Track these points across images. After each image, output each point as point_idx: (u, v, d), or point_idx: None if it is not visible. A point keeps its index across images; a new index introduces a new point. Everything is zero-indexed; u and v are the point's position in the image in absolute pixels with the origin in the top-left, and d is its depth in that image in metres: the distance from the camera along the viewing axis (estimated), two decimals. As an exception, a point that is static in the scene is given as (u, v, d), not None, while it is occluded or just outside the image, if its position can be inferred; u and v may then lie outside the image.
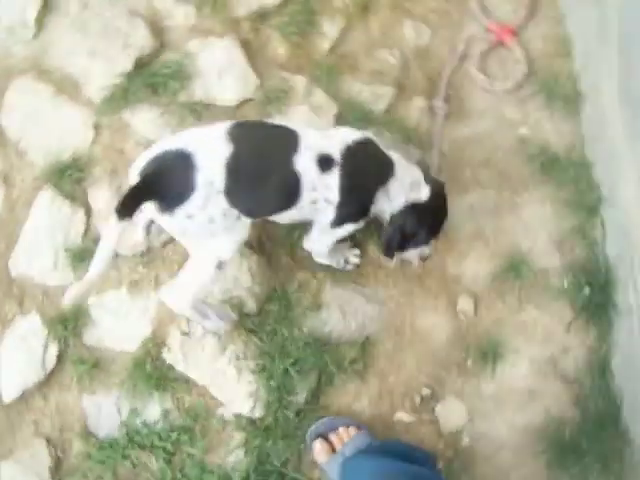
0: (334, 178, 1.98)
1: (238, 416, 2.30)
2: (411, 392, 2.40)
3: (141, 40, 2.46)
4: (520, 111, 2.71)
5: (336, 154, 1.99)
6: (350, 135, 2.07)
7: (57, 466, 2.31)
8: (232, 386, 2.29)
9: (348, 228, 2.17)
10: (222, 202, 1.92)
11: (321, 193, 2.01)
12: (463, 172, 2.63)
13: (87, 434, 2.32)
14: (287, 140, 1.97)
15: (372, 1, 2.82)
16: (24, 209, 2.44)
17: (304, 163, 1.95)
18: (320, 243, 2.28)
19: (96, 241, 2.08)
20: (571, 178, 2.59)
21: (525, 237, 2.55)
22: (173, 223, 1.96)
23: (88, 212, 2.42)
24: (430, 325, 2.47)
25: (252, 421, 2.29)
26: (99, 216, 2.39)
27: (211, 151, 1.89)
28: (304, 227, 2.42)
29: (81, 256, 2.37)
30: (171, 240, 2.39)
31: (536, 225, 2.57)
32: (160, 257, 2.39)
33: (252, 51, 2.57)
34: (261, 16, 2.63)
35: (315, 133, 2.05)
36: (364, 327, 2.43)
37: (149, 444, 2.28)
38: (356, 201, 2.07)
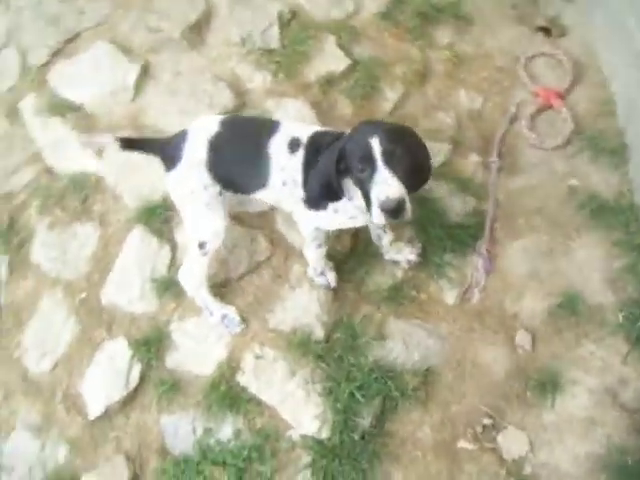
0: (298, 158, 2.54)
1: (305, 437, 2.77)
2: (473, 421, 2.85)
3: (224, 100, 3.22)
4: (569, 165, 3.34)
5: (304, 138, 2.55)
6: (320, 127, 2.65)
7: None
8: (300, 408, 2.80)
9: (327, 216, 2.61)
10: (204, 174, 2.62)
11: (289, 175, 2.57)
12: (517, 219, 3.24)
13: (164, 451, 2.85)
14: (268, 127, 2.59)
15: (429, 71, 3.70)
16: (117, 246, 3.14)
17: (277, 145, 2.55)
18: (305, 221, 2.73)
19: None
20: (621, 222, 3.13)
21: (579, 277, 3.06)
22: (169, 186, 2.69)
23: (174, 247, 3.10)
24: (490, 358, 2.95)
25: (319, 442, 2.76)
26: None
27: (201, 129, 2.60)
28: (371, 265, 3.15)
29: (166, 286, 3.02)
30: (247, 273, 3.22)
31: (589, 266, 3.08)
32: (237, 288, 3.11)
33: (321, 110, 3.30)
34: (329, 81, 3.40)
35: (295, 124, 2.68)
36: (426, 359, 2.93)
37: (222, 461, 2.77)
38: (315, 184, 2.47)
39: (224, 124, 2.62)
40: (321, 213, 2.61)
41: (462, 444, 2.86)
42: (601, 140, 3.39)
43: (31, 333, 3.18)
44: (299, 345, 2.92)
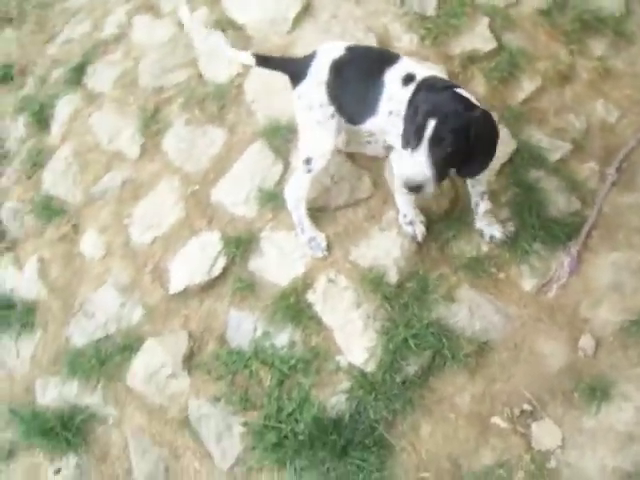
0: (408, 92, 2.70)
1: (352, 365, 2.97)
2: (513, 403, 2.94)
3: None
4: None
5: (418, 76, 2.72)
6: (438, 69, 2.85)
7: (190, 356, 3.16)
8: (356, 338, 3.00)
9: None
10: (322, 93, 2.86)
11: (395, 106, 2.74)
12: (617, 233, 3.28)
13: (222, 340, 3.16)
14: (388, 58, 2.80)
15: (573, 75, 3.81)
16: (238, 153, 3.47)
17: (392, 76, 2.75)
18: (401, 163, 2.75)
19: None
20: None
21: None
22: (294, 101, 2.93)
23: (286, 166, 3.38)
24: (548, 351, 3.03)
25: (363, 373, 2.94)
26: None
27: (328, 51, 2.84)
28: (460, 231, 3.29)
29: (269, 197, 3.31)
30: (344, 206, 3.49)
31: None
32: (332, 217, 3.33)
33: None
34: (471, 58, 3.58)
35: (414, 63, 2.85)
36: (487, 332, 3.06)
37: (270, 363, 3.03)
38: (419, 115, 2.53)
39: (350, 50, 2.87)
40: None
41: (496, 420, 2.97)
42: None
43: (143, 207, 3.59)
44: (371, 281, 3.12)
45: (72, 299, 3.47)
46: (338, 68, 2.83)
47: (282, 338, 3.12)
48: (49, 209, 3.73)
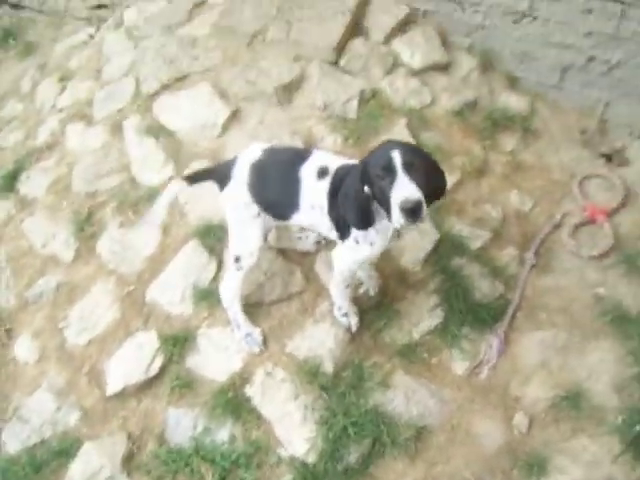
0: (325, 184, 2.83)
1: (293, 457, 3.00)
2: None
3: None
4: (601, 275, 3.56)
5: (333, 167, 2.86)
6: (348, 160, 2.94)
7: (129, 458, 3.12)
8: (295, 429, 3.04)
9: (363, 250, 2.85)
10: (246, 194, 2.96)
11: (316, 199, 2.85)
12: (540, 314, 3.47)
13: (161, 439, 3.15)
14: (301, 155, 2.94)
15: (487, 169, 4.08)
16: (171, 253, 3.55)
17: (306, 171, 2.87)
18: (342, 259, 2.97)
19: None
20: (638, 333, 3.32)
21: (588, 377, 3.23)
22: (221, 203, 3.04)
23: (220, 264, 3.46)
24: (484, 431, 3.13)
25: (304, 465, 2.98)
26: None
27: (247, 154, 2.99)
28: (391, 319, 3.47)
29: (204, 295, 3.37)
30: (278, 300, 3.58)
31: (600, 368, 3.24)
32: (267, 311, 3.40)
33: None
34: None
35: (326, 154, 3.01)
36: (423, 417, 3.13)
37: (211, 459, 3.03)
38: (350, 211, 2.70)
39: (266, 151, 3.02)
40: (347, 243, 2.91)
41: (440, 504, 2.93)
42: (637, 259, 3.63)
43: (78, 310, 3.59)
44: (308, 373, 3.19)
45: (5, 405, 3.42)
46: (257, 169, 2.98)
47: (222, 433, 3.14)
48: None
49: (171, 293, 3.43)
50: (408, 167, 2.47)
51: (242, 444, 3.11)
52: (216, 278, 3.46)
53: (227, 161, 3.13)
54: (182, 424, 3.19)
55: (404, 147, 2.56)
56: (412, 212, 2.43)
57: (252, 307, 3.37)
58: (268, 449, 3.09)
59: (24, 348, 3.56)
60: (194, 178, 3.16)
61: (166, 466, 3.09)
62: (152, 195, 3.72)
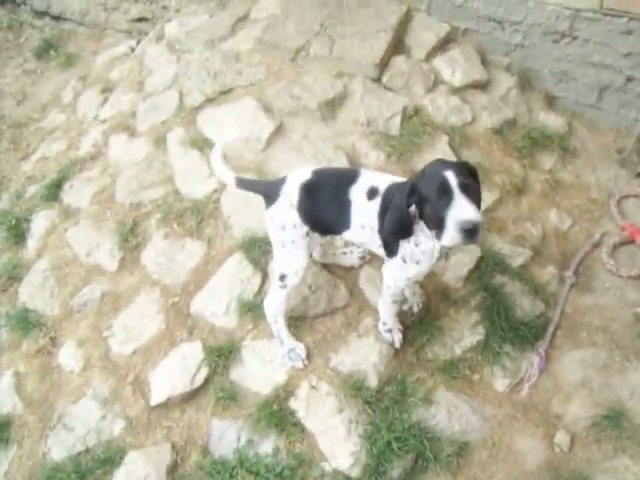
0: (375, 205, 2.83)
1: (337, 471, 2.99)
2: None
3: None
4: None
5: (382, 187, 2.85)
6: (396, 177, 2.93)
7: (173, 468, 3.12)
8: (339, 443, 3.03)
9: (410, 269, 2.86)
10: (294, 215, 2.95)
11: (366, 220, 2.86)
12: (580, 332, 3.45)
13: (205, 450, 3.14)
14: (350, 175, 2.93)
15: (526, 187, 4.09)
16: (216, 266, 3.55)
17: (356, 192, 2.86)
18: (390, 276, 2.97)
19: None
20: None
21: (629, 396, 3.21)
22: (267, 220, 3.03)
23: (264, 277, 3.46)
24: (526, 449, 3.11)
25: (348, 479, 2.98)
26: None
27: (297, 176, 2.97)
28: (434, 336, 3.37)
29: (249, 308, 3.37)
30: (322, 314, 3.58)
31: None
32: (311, 325, 3.41)
33: None
34: None
35: (375, 174, 2.97)
36: (465, 433, 3.13)
37: (255, 471, 3.02)
38: (388, 221, 2.71)
39: (315, 173, 3.00)
40: (395, 261, 2.91)
41: (481, 521, 2.98)
42: (677, 278, 3.58)
43: (123, 320, 3.59)
44: (352, 387, 3.18)
45: (50, 413, 3.42)
46: (308, 190, 2.96)
47: (266, 446, 3.12)
48: (25, 322, 3.70)
49: (215, 305, 3.43)
50: (464, 187, 2.47)
51: (286, 457, 3.09)
52: (261, 291, 3.47)
53: (277, 180, 3.10)
54: (226, 436, 3.18)
55: (457, 167, 2.56)
56: (471, 233, 2.43)
57: (296, 320, 3.36)
58: (312, 462, 3.08)
59: (69, 356, 3.56)
60: (244, 183, 3.16)
61: (210, 477, 3.08)
62: (197, 207, 3.71)
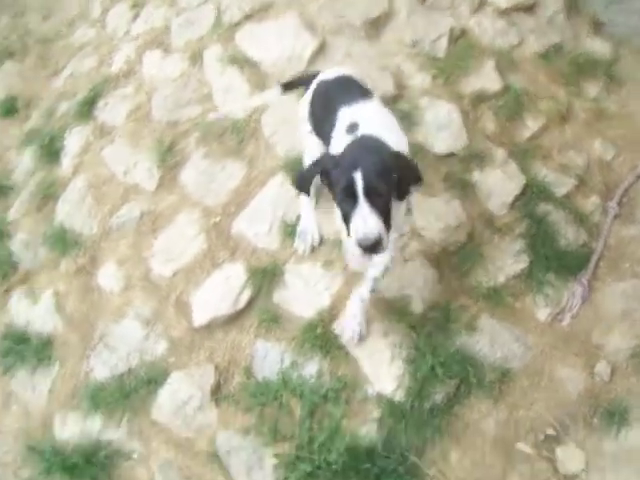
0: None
1: (380, 394, 2.93)
2: (536, 428, 2.95)
3: (385, 88, 3.51)
4: None
5: (361, 130, 2.52)
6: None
7: (217, 389, 3.07)
8: (383, 367, 2.97)
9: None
10: (306, 110, 2.94)
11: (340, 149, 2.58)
12: (623, 263, 3.36)
13: (249, 371, 3.08)
14: (354, 94, 2.76)
15: (571, 115, 3.90)
16: (258, 187, 3.44)
17: (343, 116, 2.65)
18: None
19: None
20: None
21: None
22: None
23: (309, 199, 3.32)
24: (566, 377, 3.06)
25: (392, 402, 2.91)
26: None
27: (321, 75, 2.94)
28: (477, 262, 3.29)
29: (292, 230, 3.27)
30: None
31: None
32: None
33: (467, 119, 3.56)
34: (480, 97, 3.67)
35: (372, 106, 2.73)
36: (507, 360, 3.06)
37: (299, 393, 2.97)
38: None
39: (335, 78, 2.90)
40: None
41: (521, 446, 2.97)
42: None
43: (163, 240, 3.50)
44: (397, 312, 3.11)
45: (91, 332, 3.35)
46: (317, 92, 2.88)
47: (310, 368, 3.06)
48: (63, 241, 3.60)
49: (258, 226, 3.33)
50: (371, 192, 2.23)
51: (330, 379, 3.03)
52: (303, 214, 3.30)
53: (314, 72, 3.08)
54: (269, 358, 3.12)
55: (368, 165, 2.26)
56: (371, 248, 2.24)
57: (340, 246, 3.22)
58: (355, 385, 3.02)
59: (108, 276, 3.49)
60: (288, 85, 3.11)
61: (254, 398, 3.03)
62: (237, 126, 3.56)
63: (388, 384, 2.99)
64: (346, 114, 2.64)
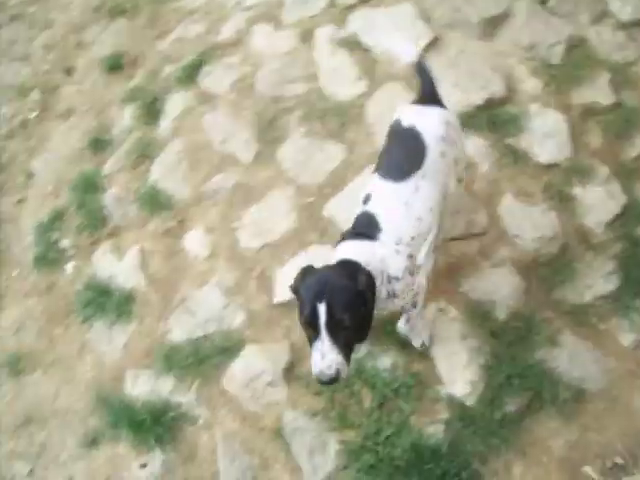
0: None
1: (452, 397, 2.92)
2: (605, 455, 2.86)
3: (495, 89, 3.49)
4: None
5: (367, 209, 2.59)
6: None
7: (290, 368, 3.10)
8: (458, 370, 2.95)
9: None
10: None
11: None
12: None
13: (325, 355, 3.24)
14: (407, 164, 2.65)
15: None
16: (355, 172, 3.49)
17: (372, 181, 2.65)
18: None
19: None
20: None
21: None
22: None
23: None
24: (644, 407, 2.97)
25: (463, 406, 2.90)
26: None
27: (404, 111, 2.79)
28: (567, 277, 3.21)
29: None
30: (458, 238, 3.41)
31: None
32: (446, 247, 3.32)
33: (574, 131, 3.50)
34: (589, 110, 3.59)
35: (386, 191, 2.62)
36: (584, 380, 2.99)
37: (372, 384, 2.97)
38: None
39: (405, 127, 2.75)
40: None
41: (587, 470, 2.89)
42: None
43: (253, 213, 3.53)
44: (479, 316, 3.08)
45: (172, 294, 3.41)
46: (391, 129, 2.81)
47: (385, 361, 3.06)
48: (155, 202, 3.68)
49: (350, 212, 3.28)
50: (334, 326, 2.14)
51: (403, 374, 3.03)
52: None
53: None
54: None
55: (334, 296, 2.16)
56: (326, 384, 2.16)
57: (431, 242, 3.18)
58: (428, 384, 3.01)
59: (195, 242, 3.55)
60: (422, 69, 2.95)
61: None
62: (340, 109, 3.56)
63: (461, 387, 2.97)
64: (373, 180, 2.63)
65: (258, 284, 3.32)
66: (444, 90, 3.11)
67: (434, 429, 2.91)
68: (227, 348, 3.22)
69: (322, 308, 2.11)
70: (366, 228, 2.52)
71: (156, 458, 3.08)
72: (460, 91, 3.45)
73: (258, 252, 3.38)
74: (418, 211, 2.55)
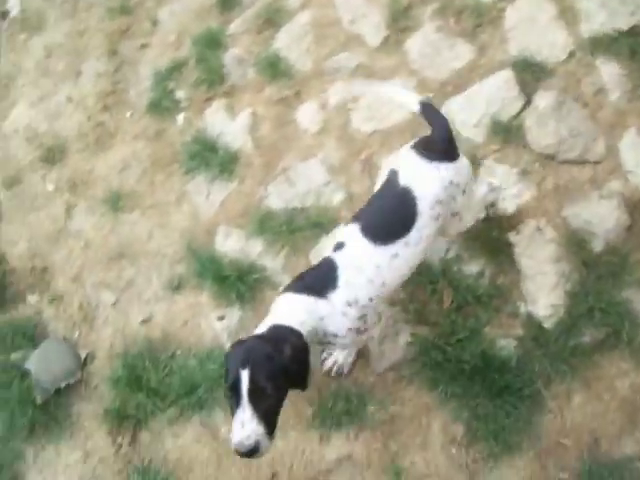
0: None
1: (531, 315, 2.93)
2: None
3: None
4: None
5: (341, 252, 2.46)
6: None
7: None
8: (544, 291, 2.96)
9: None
10: None
11: None
12: None
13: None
14: (397, 219, 2.51)
15: None
16: (481, 75, 3.41)
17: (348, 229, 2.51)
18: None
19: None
20: None
21: None
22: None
23: (527, 104, 3.28)
24: None
25: (539, 327, 2.90)
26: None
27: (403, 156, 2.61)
28: None
29: (501, 129, 3.23)
30: (571, 161, 3.33)
31: None
32: (557, 169, 3.23)
33: None
34: None
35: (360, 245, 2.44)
36: (666, 330, 3.05)
37: (455, 286, 3.02)
38: None
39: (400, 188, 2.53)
40: None
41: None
42: None
43: (370, 97, 3.53)
44: (576, 243, 3.04)
45: (276, 161, 3.47)
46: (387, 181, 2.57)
47: (472, 267, 3.08)
48: (275, 68, 3.69)
49: (468, 114, 3.29)
50: (256, 394, 2.06)
51: (487, 284, 3.05)
52: (518, 116, 3.27)
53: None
54: (436, 244, 3.10)
55: (259, 363, 2.10)
56: (249, 453, 2.04)
57: (544, 158, 3.21)
58: (510, 299, 3.02)
59: (308, 115, 3.57)
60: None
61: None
62: (479, 9, 3.44)
63: (542, 308, 2.97)
64: (351, 229, 2.47)
65: (363, 168, 3.34)
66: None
67: (506, 343, 2.94)
68: (320, 223, 3.28)
69: (245, 375, 2.05)
70: (319, 282, 2.39)
71: (234, 314, 3.22)
72: (606, 12, 3.29)
73: (369, 136, 3.40)
74: (387, 277, 2.43)
